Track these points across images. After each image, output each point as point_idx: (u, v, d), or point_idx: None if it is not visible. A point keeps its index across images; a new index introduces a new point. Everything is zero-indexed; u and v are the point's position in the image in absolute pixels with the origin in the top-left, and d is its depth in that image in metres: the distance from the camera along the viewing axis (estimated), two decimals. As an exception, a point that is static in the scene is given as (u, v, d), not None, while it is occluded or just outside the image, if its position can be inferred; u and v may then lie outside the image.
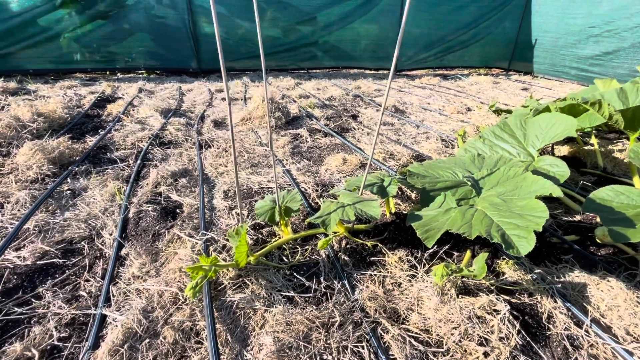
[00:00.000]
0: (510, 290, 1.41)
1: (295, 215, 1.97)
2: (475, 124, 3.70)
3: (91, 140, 3.09)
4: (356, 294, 1.40)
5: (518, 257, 1.58)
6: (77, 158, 2.66)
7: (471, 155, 2.13)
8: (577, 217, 2.03)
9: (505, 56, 9.10)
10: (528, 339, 1.21)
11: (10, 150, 2.70)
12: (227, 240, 1.72)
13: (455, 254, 1.65)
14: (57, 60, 6.59)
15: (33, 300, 1.36)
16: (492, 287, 1.41)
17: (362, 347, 1.17)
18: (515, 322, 1.24)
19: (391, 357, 1.15)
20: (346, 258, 1.63)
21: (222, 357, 1.13)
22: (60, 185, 2.24)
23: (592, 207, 1.55)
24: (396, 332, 1.23)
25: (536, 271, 1.49)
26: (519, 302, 1.37)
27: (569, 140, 3.19)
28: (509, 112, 3.86)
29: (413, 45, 8.54)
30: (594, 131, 3.06)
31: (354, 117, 4.16)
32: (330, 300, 1.37)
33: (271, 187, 2.32)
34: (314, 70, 8.59)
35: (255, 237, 1.76)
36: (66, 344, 1.18)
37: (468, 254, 1.55)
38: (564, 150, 3.03)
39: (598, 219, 1.95)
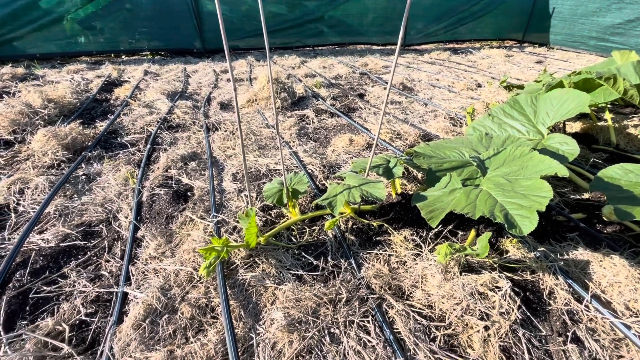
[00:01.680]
0: (513, 268, 1.45)
1: (303, 197, 2.01)
2: (485, 101, 3.61)
3: (101, 125, 3.14)
4: (362, 272, 1.46)
5: (521, 236, 1.60)
6: (89, 143, 2.72)
7: (479, 135, 2.11)
8: (585, 195, 2.02)
9: (520, 27, 8.70)
10: (528, 313, 1.26)
11: (25, 137, 2.78)
12: (238, 222, 1.78)
13: (460, 233, 1.68)
14: (62, 44, 6.58)
15: (59, 279, 1.45)
16: (495, 265, 1.45)
17: (368, 322, 1.23)
18: (516, 298, 1.28)
19: (395, 330, 1.21)
20: (352, 238, 1.67)
21: (236, 331, 1.21)
22: (75, 170, 2.31)
23: (600, 185, 1.54)
24: (400, 307, 1.29)
25: (540, 249, 1.51)
26: (521, 279, 1.40)
27: (581, 116, 3.11)
28: (521, 87, 3.75)
29: (422, 17, 8.20)
30: (608, 106, 2.97)
31: (361, 96, 4.10)
32: (337, 278, 1.43)
33: (279, 170, 2.36)
34: (320, 47, 8.38)
35: (264, 219, 1.82)
36: (93, 319, 1.28)
37: (472, 233, 1.58)
38: (576, 126, 2.96)
39: (606, 197, 1.94)
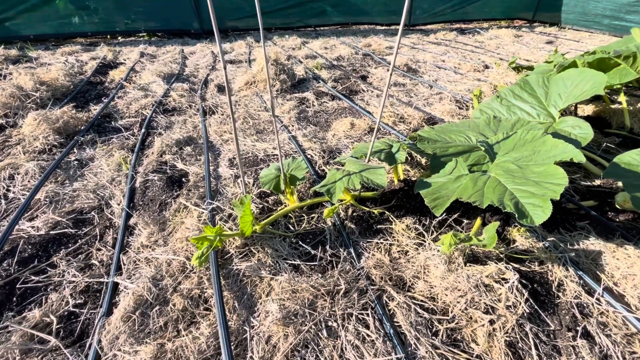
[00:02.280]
0: (520, 258, 1.38)
1: (301, 183, 1.93)
2: (492, 83, 3.46)
3: (95, 109, 3.05)
4: (362, 262, 1.40)
5: (531, 226, 1.53)
6: (82, 127, 2.64)
7: (486, 118, 2.00)
8: (597, 182, 1.93)
9: (530, 5, 8.33)
10: (536, 307, 1.20)
11: (16, 121, 2.70)
12: (233, 209, 1.71)
13: (465, 221, 1.61)
14: (56, 25, 6.38)
15: (48, 268, 1.41)
16: (502, 256, 1.38)
17: (367, 315, 1.18)
18: (523, 291, 1.22)
19: (396, 324, 1.16)
20: (352, 226, 1.61)
21: (229, 323, 1.16)
22: (67, 155, 2.24)
23: (615, 171, 1.45)
24: (401, 299, 1.23)
25: (549, 239, 1.44)
26: (528, 270, 1.34)
27: (594, 99, 2.97)
28: (531, 68, 3.59)
29: (429, -4, 7.86)
30: (623, 88, 2.82)
31: (364, 78, 3.95)
32: (335, 269, 1.37)
33: (277, 155, 2.27)
34: (322, 28, 8.10)
35: (261, 206, 1.75)
36: (82, 310, 1.24)
37: (478, 221, 1.50)
38: (588, 109, 2.83)
39: (619, 184, 1.85)
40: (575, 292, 1.24)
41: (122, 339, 1.11)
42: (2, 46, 5.32)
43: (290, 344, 1.07)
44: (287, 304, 1.19)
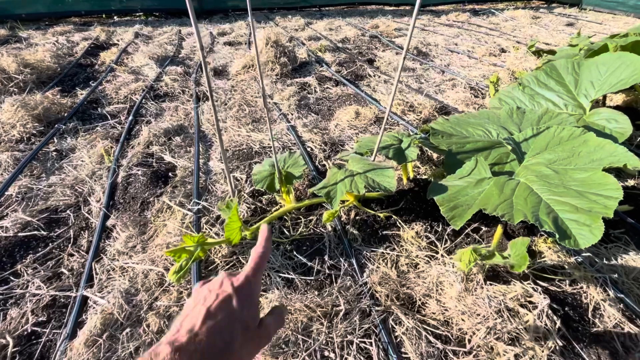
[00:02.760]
0: (548, 277, 1.19)
1: (299, 181, 1.74)
2: (510, 69, 3.19)
3: (81, 94, 2.84)
4: (365, 276, 1.22)
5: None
6: (65, 114, 2.45)
7: (508, 109, 1.78)
8: (630, 182, 1.72)
9: (549, -16, 7.82)
10: (568, 336, 1.02)
11: (-4, 106, 2.51)
12: (222, 210, 1.53)
13: (484, 229, 1.42)
14: (49, 3, 6.09)
15: (11, 278, 1.25)
16: (527, 272, 1.19)
17: (371, 344, 1.01)
18: (554, 318, 1.04)
19: (404, 355, 0.99)
20: (355, 232, 1.42)
21: (210, 349, 1.00)
22: (45, 145, 2.06)
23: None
24: (410, 324, 1.06)
25: (583, 254, 1.25)
26: (558, 290, 1.15)
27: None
28: (552, 53, 3.29)
29: (441, -27, 7.40)
30: (658, 75, 2.55)
31: (370, 61, 3.68)
32: (334, 284, 1.19)
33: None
34: (327, 8, 7.70)
35: (253, 206, 1.57)
36: (44, 330, 1.08)
37: (499, 230, 1.31)
38: (617, 99, 2.57)
39: (660, 187, 1.64)
40: (615, 319, 1.06)
41: (84, 368, 0.95)
42: (-9, 25, 5.08)
43: (279, 381, 0.91)
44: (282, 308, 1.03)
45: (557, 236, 0.86)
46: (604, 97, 2.59)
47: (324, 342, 1.01)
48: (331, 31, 5.27)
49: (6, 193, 1.65)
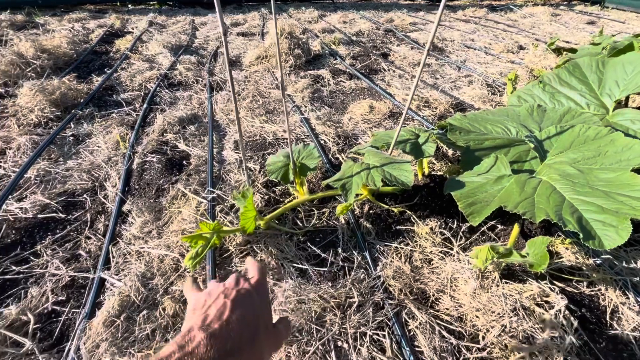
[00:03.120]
0: (565, 277, 1.18)
1: (312, 173, 1.74)
2: (528, 66, 3.12)
3: (97, 80, 2.87)
4: (378, 269, 1.22)
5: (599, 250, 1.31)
6: (81, 100, 2.48)
7: (528, 107, 1.74)
8: (652, 186, 1.67)
9: (571, -19, 7.59)
10: (585, 337, 1.01)
11: (15, 91, 2.55)
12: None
13: (500, 227, 1.40)
14: (65, -10, 6.14)
15: (32, 258, 1.28)
16: (544, 272, 1.17)
17: (384, 336, 1.01)
18: (572, 319, 1.02)
19: (417, 349, 0.99)
20: (368, 225, 1.42)
21: (225, 335, 1.02)
22: (63, 130, 2.09)
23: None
24: (424, 318, 1.05)
25: (602, 256, 1.22)
26: (575, 292, 1.14)
27: (647, 88, 2.62)
28: (573, 51, 3.21)
29: (458, -33, 7.23)
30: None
31: (385, 55, 3.64)
32: (348, 276, 1.19)
33: (287, 138, 2.07)
34: (341, 1, 7.62)
35: (267, 197, 1.57)
36: (63, 309, 1.11)
37: (516, 229, 1.29)
38: (640, 100, 2.50)
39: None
40: (634, 322, 1.04)
41: (102, 347, 0.97)
42: (8, 11, 5.14)
43: (293, 368, 0.92)
44: (291, 317, 1.03)
45: (581, 236, 0.84)
46: (627, 98, 2.51)
47: (337, 332, 1.01)
48: (345, 24, 5.21)
49: (25, 175, 1.68)
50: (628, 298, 1.09)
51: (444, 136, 1.58)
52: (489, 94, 2.64)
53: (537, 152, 1.25)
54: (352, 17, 5.62)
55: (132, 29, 4.75)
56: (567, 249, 1.26)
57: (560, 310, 1.02)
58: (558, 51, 3.48)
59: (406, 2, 7.48)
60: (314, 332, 1.01)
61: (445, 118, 2.23)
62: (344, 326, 1.03)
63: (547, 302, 1.07)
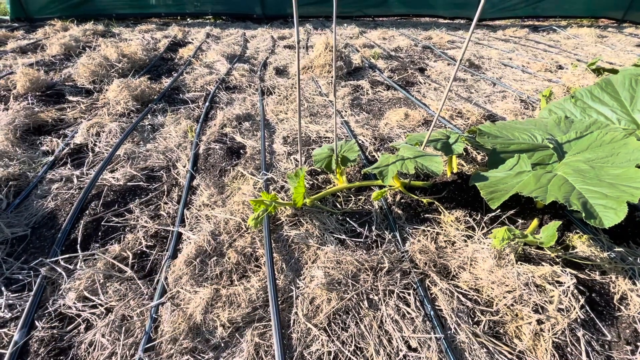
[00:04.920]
0: (579, 264, 1.30)
1: (351, 166, 1.97)
2: (566, 85, 3.19)
3: (166, 81, 3.33)
4: (407, 246, 1.41)
5: (596, 232, 1.42)
6: (154, 97, 2.91)
7: (556, 118, 1.87)
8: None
9: (621, 3, 7.41)
10: (592, 315, 1.13)
11: (102, 87, 3.05)
12: (286, 182, 1.80)
13: (520, 221, 1.54)
14: (135, 5, 6.99)
15: (126, 213, 1.61)
16: (558, 259, 1.31)
17: (409, 294, 1.20)
18: (579, 297, 1.15)
19: (437, 307, 1.17)
20: (399, 211, 1.62)
21: (277, 282, 1.25)
22: (142, 120, 2.49)
23: None
24: (444, 286, 1.23)
25: (616, 249, 1.33)
26: (587, 278, 1.26)
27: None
28: (614, 72, 3.24)
29: (501, -12, 7.33)
30: None
31: (421, 70, 3.84)
32: (380, 248, 1.40)
33: (328, 137, 2.33)
34: (381, 18, 7.95)
35: (311, 182, 1.82)
36: (152, 251, 1.41)
37: (535, 222, 1.43)
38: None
39: None
40: (640, 307, 1.15)
41: (184, 279, 1.25)
42: (92, 22, 5.95)
43: (333, 307, 1.13)
44: (332, 272, 1.25)
45: (583, 215, 0.99)
46: (665, 117, 2.52)
47: (369, 287, 1.21)
48: (384, 40, 5.49)
49: (116, 153, 2.06)
50: (636, 285, 1.20)
51: (473, 139, 1.76)
52: (521, 108, 2.76)
53: (557, 152, 1.39)
54: (392, 34, 5.90)
55: (192, 39, 5.34)
56: (583, 242, 1.38)
57: (569, 287, 1.16)
58: (598, 71, 3.50)
59: (445, 22, 7.66)
60: (350, 285, 1.22)
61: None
62: (375, 284, 1.23)
63: (558, 282, 1.21)
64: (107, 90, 2.90)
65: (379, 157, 2.09)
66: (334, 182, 1.84)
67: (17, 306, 1.17)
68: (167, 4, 7.22)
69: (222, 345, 1.06)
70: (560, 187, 1.13)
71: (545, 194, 1.10)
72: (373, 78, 3.53)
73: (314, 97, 3.01)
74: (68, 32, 5.11)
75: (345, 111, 2.75)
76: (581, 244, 1.38)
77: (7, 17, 6.34)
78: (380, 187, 1.75)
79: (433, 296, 1.21)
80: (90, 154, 2.08)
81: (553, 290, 1.17)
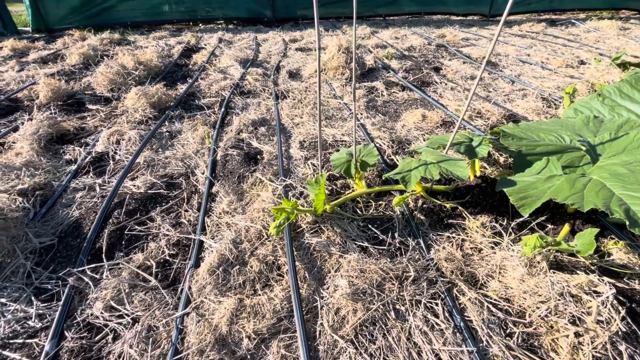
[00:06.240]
0: (617, 272, 1.24)
1: (369, 171, 1.94)
2: (589, 81, 3.07)
3: (181, 88, 3.37)
4: (432, 253, 1.38)
5: (632, 238, 1.35)
6: (171, 103, 2.94)
7: (584, 117, 1.80)
8: None
9: (644, -7, 7.12)
10: (634, 327, 1.07)
11: (120, 95, 3.11)
12: (304, 187, 1.79)
13: (550, 226, 1.48)
14: (149, 13, 7.12)
15: (148, 221, 1.62)
16: (594, 267, 1.25)
17: (436, 305, 1.16)
18: (619, 308, 1.09)
19: (467, 318, 1.13)
20: (422, 217, 1.58)
21: (300, 291, 1.24)
22: (160, 127, 2.53)
23: None
24: (473, 295, 1.19)
25: (656, 257, 1.27)
26: (626, 287, 1.20)
27: None
28: (641, 66, 3.10)
29: (515, -18, 7.15)
30: None
31: (437, 69, 3.78)
32: (404, 256, 1.36)
33: (345, 140, 2.30)
34: (392, 17, 7.87)
35: (330, 188, 1.80)
36: (174, 260, 1.41)
37: (566, 228, 1.38)
38: None
39: None
40: (686, 319, 1.08)
41: (208, 289, 1.24)
42: (108, 31, 6.10)
43: (359, 318, 1.11)
44: (356, 281, 1.23)
45: (627, 223, 0.94)
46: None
47: (395, 297, 1.18)
48: (397, 40, 5.43)
49: (136, 161, 2.09)
50: (681, 296, 1.13)
51: (497, 141, 1.70)
52: (544, 107, 2.67)
53: (590, 155, 1.33)
54: (404, 33, 5.83)
55: (205, 45, 5.40)
56: (619, 249, 1.31)
57: (608, 298, 1.10)
58: (624, 66, 3.36)
59: (458, 18, 7.52)
60: (375, 295, 1.19)
61: (499, 127, 2.32)
62: (401, 293, 1.20)
63: (595, 291, 1.15)
64: (125, 98, 2.95)
65: (397, 160, 2.06)
66: (352, 187, 1.81)
67: (47, 316, 1.19)
68: (180, 11, 7.34)
69: (249, 357, 1.05)
70: (598, 193, 1.07)
71: (582, 200, 1.05)
72: (387, 79, 3.48)
73: (329, 100, 2.99)
74: (86, 41, 5.24)
75: (361, 114, 2.72)
76: (617, 251, 1.31)
77: (29, 29, 6.56)
78: (401, 192, 1.71)
79: (462, 306, 1.17)
80: (111, 162, 2.11)
81: (591, 301, 1.11)
